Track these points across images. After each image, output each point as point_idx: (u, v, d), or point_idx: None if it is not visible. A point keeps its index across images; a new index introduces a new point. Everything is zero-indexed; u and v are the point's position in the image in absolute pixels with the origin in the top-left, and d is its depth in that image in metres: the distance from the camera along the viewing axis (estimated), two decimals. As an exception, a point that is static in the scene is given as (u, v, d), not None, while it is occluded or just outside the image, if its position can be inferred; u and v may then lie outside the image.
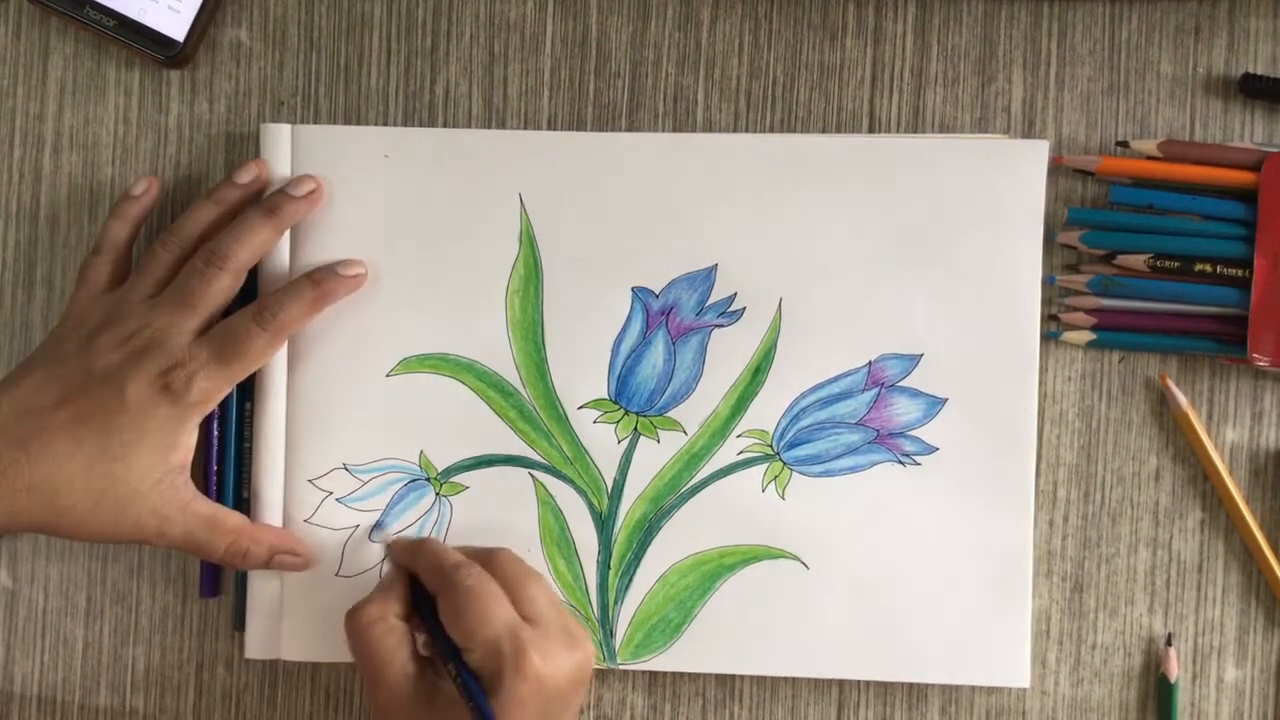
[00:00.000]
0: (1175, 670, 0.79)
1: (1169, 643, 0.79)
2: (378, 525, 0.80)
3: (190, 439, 0.76)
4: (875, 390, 0.78)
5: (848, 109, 0.81)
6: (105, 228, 0.79)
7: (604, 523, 0.79)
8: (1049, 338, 0.79)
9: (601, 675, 0.81)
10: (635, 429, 0.79)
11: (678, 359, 0.79)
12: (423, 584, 0.74)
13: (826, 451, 0.79)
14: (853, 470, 0.78)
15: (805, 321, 0.78)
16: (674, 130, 0.81)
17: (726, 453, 0.79)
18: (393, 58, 0.82)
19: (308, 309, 0.77)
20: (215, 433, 0.80)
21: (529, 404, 0.79)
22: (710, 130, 0.81)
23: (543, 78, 0.81)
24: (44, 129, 0.82)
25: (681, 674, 0.81)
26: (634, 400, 0.79)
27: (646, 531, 0.79)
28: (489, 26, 0.82)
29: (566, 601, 0.79)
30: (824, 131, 0.81)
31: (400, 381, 0.80)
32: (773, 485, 0.79)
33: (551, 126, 0.81)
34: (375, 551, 0.80)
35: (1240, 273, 0.77)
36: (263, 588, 0.80)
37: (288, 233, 0.79)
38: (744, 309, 0.79)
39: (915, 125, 0.80)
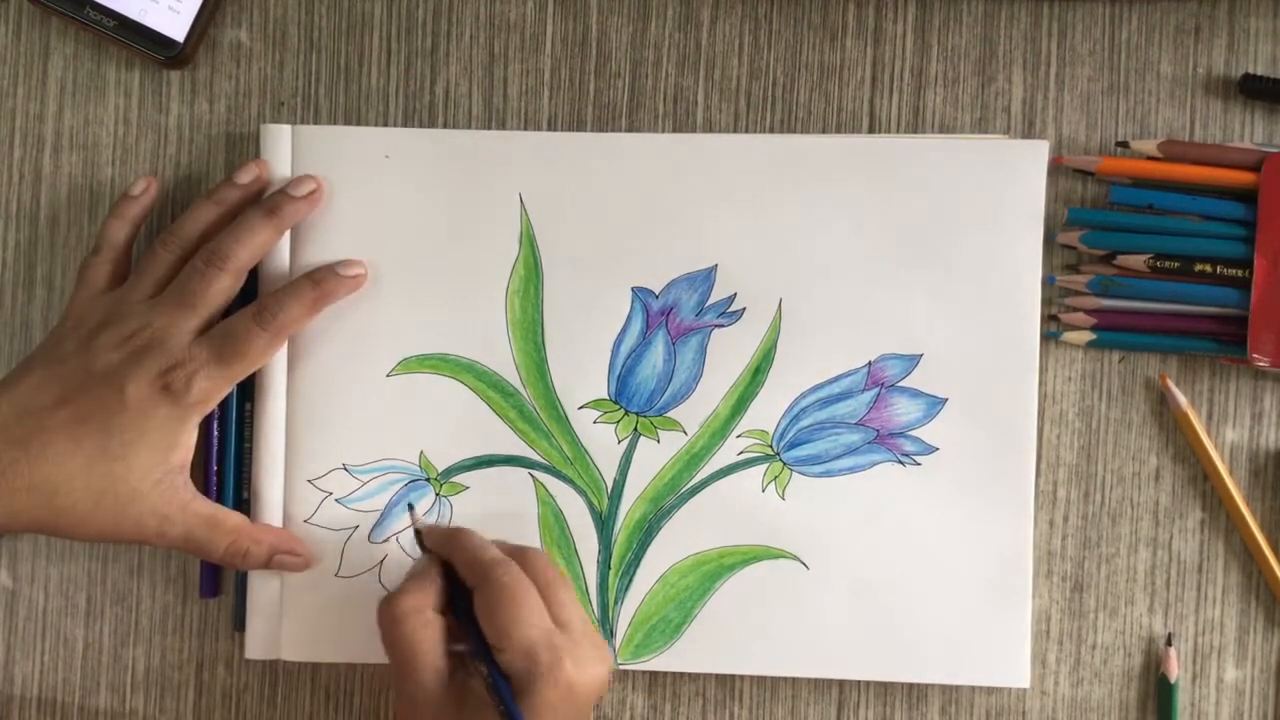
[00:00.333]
0: (1175, 670, 0.79)
1: (1169, 643, 0.79)
2: (378, 525, 0.80)
3: (190, 439, 0.76)
4: (875, 390, 0.78)
5: (848, 109, 0.81)
6: (104, 227, 0.79)
7: (604, 523, 0.79)
8: (1049, 338, 0.79)
9: (601, 675, 0.81)
10: (635, 429, 0.79)
11: (678, 359, 0.79)
12: (455, 576, 0.73)
13: (826, 451, 0.79)
14: (853, 470, 0.78)
15: (805, 321, 0.79)
16: (674, 130, 0.81)
17: (726, 453, 0.79)
18: (393, 58, 0.82)
19: (308, 309, 0.77)
20: (215, 433, 0.80)
21: (529, 404, 0.79)
22: (710, 130, 0.81)
23: (543, 78, 0.81)
24: (44, 129, 0.82)
25: (681, 674, 0.81)
26: (634, 400, 0.79)
27: (646, 532, 0.79)
28: (489, 26, 0.82)
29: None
30: (824, 132, 0.81)
31: (400, 381, 0.80)
32: (773, 485, 0.79)
33: (551, 127, 0.81)
34: (376, 551, 0.80)
35: (1240, 273, 0.77)
36: (263, 588, 0.80)
37: (288, 233, 0.79)
38: (744, 309, 0.79)
39: (915, 125, 0.80)
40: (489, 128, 0.81)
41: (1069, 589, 0.80)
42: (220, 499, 0.80)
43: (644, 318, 0.79)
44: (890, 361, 0.78)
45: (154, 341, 0.75)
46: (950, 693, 0.80)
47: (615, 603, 0.79)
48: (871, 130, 0.81)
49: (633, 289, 0.79)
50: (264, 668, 0.82)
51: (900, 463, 0.78)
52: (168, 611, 0.82)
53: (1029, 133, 0.80)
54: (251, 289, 0.79)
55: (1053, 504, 0.80)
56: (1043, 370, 0.79)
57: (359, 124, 0.81)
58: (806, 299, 0.78)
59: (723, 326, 0.79)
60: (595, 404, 0.79)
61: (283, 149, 0.80)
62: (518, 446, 0.79)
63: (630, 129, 0.81)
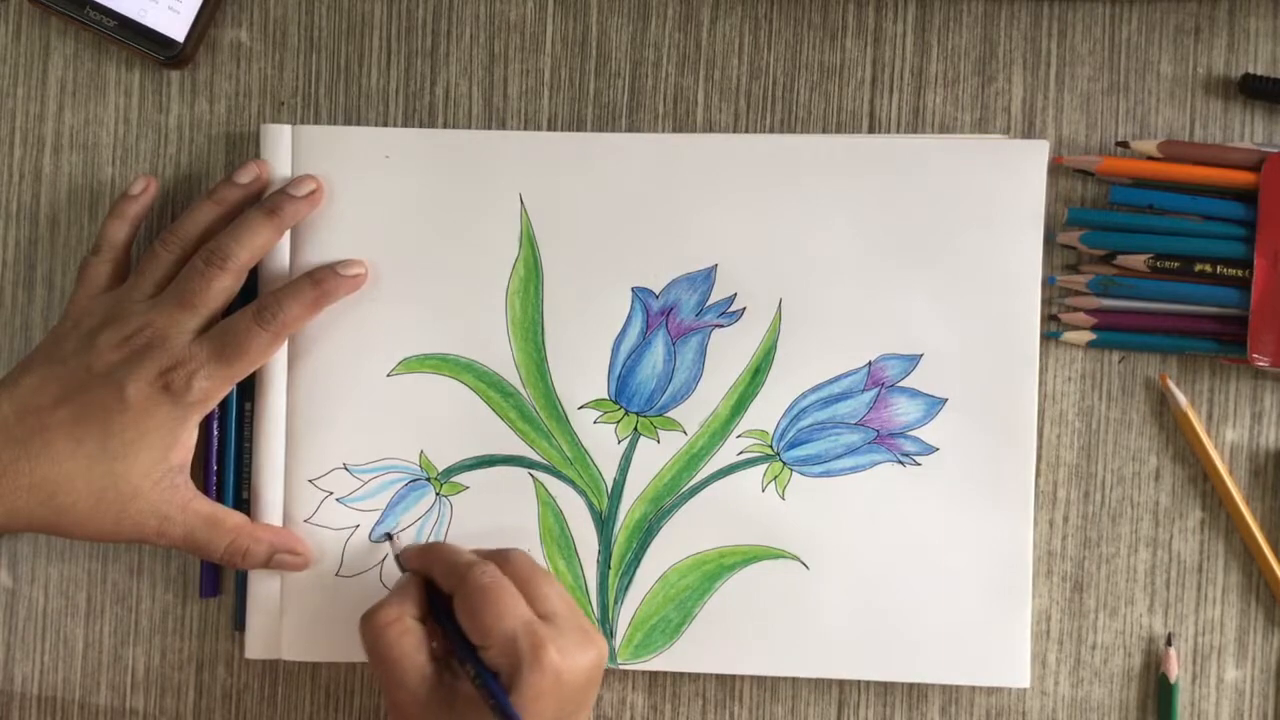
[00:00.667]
0: (1175, 670, 0.79)
1: (1169, 643, 0.79)
2: (378, 525, 0.80)
3: (190, 438, 0.76)
4: (875, 390, 0.78)
5: (848, 109, 0.81)
6: (104, 227, 0.79)
7: (604, 523, 0.79)
8: (1049, 338, 0.79)
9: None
10: (635, 429, 0.79)
11: (678, 359, 0.79)
12: (437, 588, 0.73)
13: (826, 451, 0.79)
14: (853, 470, 0.78)
15: (805, 322, 0.79)
16: (674, 130, 0.81)
17: (726, 453, 0.79)
18: (393, 58, 0.82)
19: (308, 308, 0.77)
20: (215, 433, 0.80)
21: (529, 404, 0.79)
22: (710, 130, 0.81)
23: (543, 78, 0.81)
24: (44, 129, 0.82)
25: (681, 674, 0.81)
26: (634, 400, 0.79)
27: (646, 531, 0.79)
28: (489, 26, 0.82)
29: (567, 601, 0.79)
30: (824, 131, 0.81)
31: (400, 381, 0.80)
32: (773, 485, 0.79)
33: (551, 127, 0.81)
34: (376, 551, 0.80)
35: (1240, 273, 0.77)
36: (263, 588, 0.80)
37: (288, 232, 0.79)
38: (744, 309, 0.79)
39: (915, 125, 0.80)
40: (489, 128, 0.81)
41: (1069, 589, 0.80)
42: (220, 499, 0.80)
43: (644, 318, 0.79)
44: (890, 361, 0.78)
45: (154, 341, 0.75)
46: (950, 693, 0.80)
47: (615, 603, 0.79)
48: (871, 130, 0.81)
49: (633, 289, 0.79)
50: (264, 667, 0.82)
51: (900, 463, 0.78)
52: (168, 611, 0.82)
53: (1029, 133, 0.80)
54: (252, 288, 0.79)
55: (1053, 504, 0.80)
56: (1043, 370, 0.79)
57: (359, 124, 0.81)
58: (806, 299, 0.78)
59: (723, 326, 0.79)
60: (595, 404, 0.79)
61: (283, 149, 0.80)
62: (518, 446, 0.79)
63: (630, 129, 0.81)
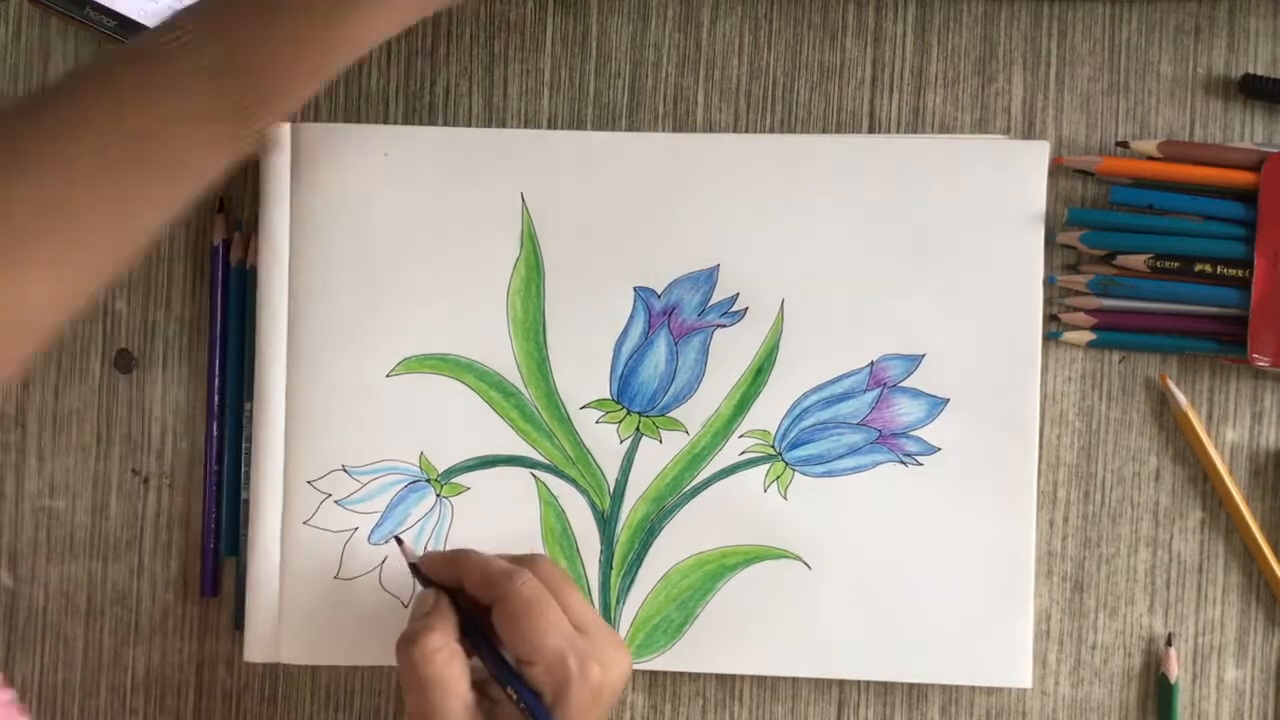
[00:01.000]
0: (1175, 670, 0.79)
1: (1169, 643, 0.79)
2: (377, 527, 0.80)
3: None
4: (877, 390, 0.78)
5: (848, 109, 0.81)
6: None
7: (606, 523, 0.79)
8: (1049, 338, 0.79)
9: (602, 676, 0.81)
10: (637, 429, 0.79)
11: (680, 359, 0.79)
12: (461, 602, 0.72)
13: (829, 452, 0.79)
14: (855, 470, 0.78)
15: (807, 322, 0.79)
16: (674, 130, 0.81)
17: (729, 453, 0.79)
18: (393, 58, 0.82)
19: None
20: (215, 433, 0.80)
21: (530, 404, 0.79)
22: (710, 130, 0.81)
23: (543, 78, 0.81)
24: (43, 129, 0.82)
25: (681, 674, 0.81)
26: (636, 400, 0.79)
27: (649, 531, 0.79)
28: (489, 26, 0.81)
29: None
30: (824, 131, 0.81)
31: (400, 382, 0.80)
32: (775, 485, 0.79)
33: (551, 126, 0.81)
34: (375, 554, 0.79)
35: (1240, 273, 0.77)
36: (262, 592, 0.79)
37: (287, 227, 0.79)
38: (746, 309, 0.79)
39: (915, 125, 0.80)
40: (489, 127, 0.81)
41: (1069, 589, 0.80)
42: (220, 499, 0.80)
43: (646, 317, 0.79)
44: (892, 362, 0.78)
45: None
46: (950, 693, 0.80)
47: (617, 603, 0.79)
48: (871, 130, 0.81)
49: (635, 289, 0.79)
50: (264, 668, 0.82)
51: (902, 463, 0.78)
52: (168, 611, 0.82)
53: (1029, 133, 0.80)
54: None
55: (1053, 504, 0.80)
56: (1043, 370, 0.79)
57: (359, 124, 0.81)
58: (808, 299, 0.78)
59: (725, 326, 0.79)
60: (597, 404, 0.79)
61: (283, 147, 0.79)
62: (519, 446, 0.79)
63: (630, 129, 0.81)
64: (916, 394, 0.78)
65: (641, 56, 0.81)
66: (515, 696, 0.69)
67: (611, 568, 0.79)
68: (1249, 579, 0.79)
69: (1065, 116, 0.80)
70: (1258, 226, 0.77)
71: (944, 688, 0.80)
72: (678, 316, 0.79)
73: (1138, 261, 0.78)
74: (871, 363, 0.78)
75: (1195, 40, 0.80)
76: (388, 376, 0.80)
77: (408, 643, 0.70)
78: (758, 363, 0.79)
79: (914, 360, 0.78)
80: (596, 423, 0.79)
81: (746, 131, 0.81)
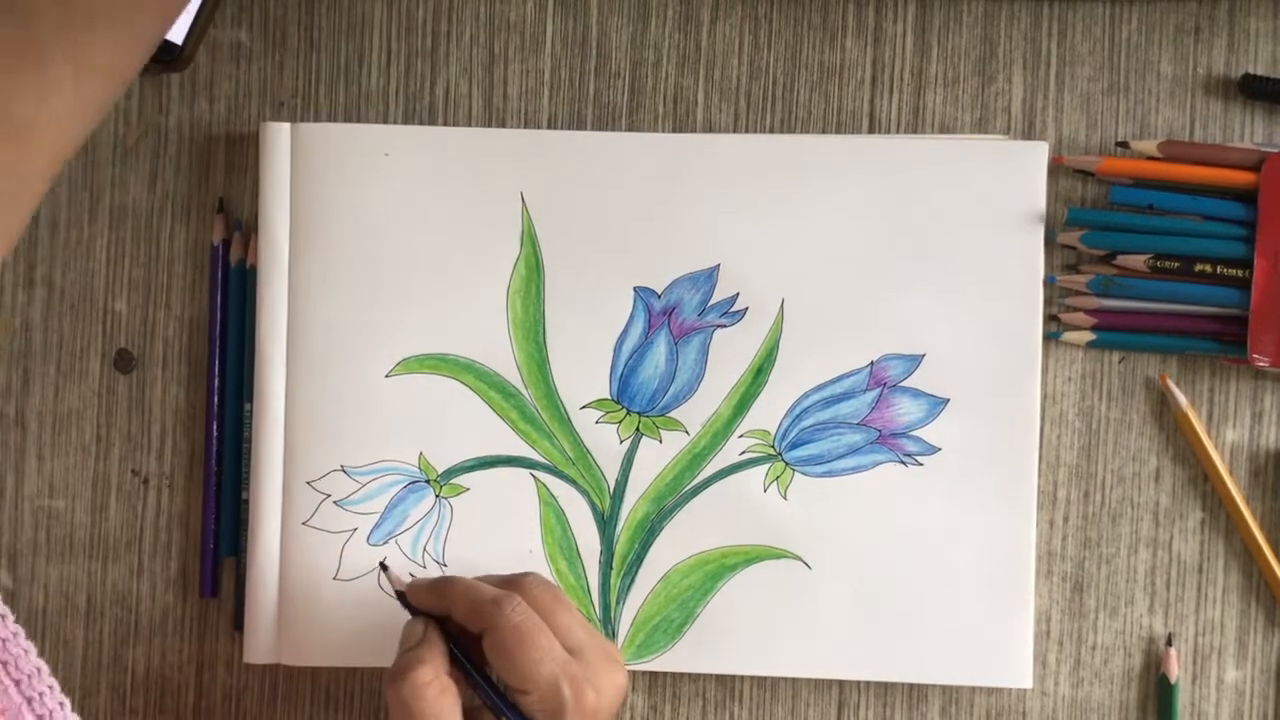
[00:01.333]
0: (1175, 671, 0.79)
1: (1169, 643, 0.79)
2: (377, 528, 0.79)
3: None
4: (877, 390, 0.78)
5: (848, 109, 0.81)
6: None
7: (606, 523, 0.79)
8: (1049, 338, 0.79)
9: (602, 676, 0.81)
10: (637, 429, 0.79)
11: (680, 359, 0.79)
12: (449, 628, 0.71)
13: (828, 452, 0.79)
14: (855, 470, 0.78)
15: (807, 322, 0.79)
16: (674, 130, 0.81)
17: (728, 453, 0.79)
18: (393, 58, 0.82)
19: None
20: (215, 433, 0.80)
21: (530, 404, 0.79)
22: (710, 130, 0.81)
23: (543, 78, 0.81)
24: (43, 129, 0.82)
25: (681, 674, 0.81)
26: (636, 400, 0.79)
27: (649, 531, 0.79)
28: (489, 26, 0.81)
29: (568, 602, 0.79)
30: (824, 132, 0.81)
31: (400, 382, 0.80)
32: (775, 485, 0.79)
33: (551, 127, 0.81)
34: (374, 555, 0.79)
35: (1240, 273, 0.77)
36: (262, 593, 0.79)
37: (287, 233, 0.79)
38: (746, 309, 0.79)
39: (915, 125, 0.80)
40: (489, 127, 0.81)
41: (1069, 589, 0.80)
42: (219, 500, 0.80)
43: (646, 317, 0.79)
44: (892, 362, 0.78)
45: None
46: (950, 693, 0.80)
47: (617, 603, 0.79)
48: (871, 130, 0.81)
49: (635, 289, 0.79)
50: (264, 669, 0.82)
51: (902, 463, 0.78)
52: (168, 612, 0.82)
53: (1029, 133, 0.80)
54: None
55: (1053, 504, 0.80)
56: (1043, 370, 0.79)
57: (359, 124, 0.81)
58: (808, 299, 0.79)
59: (725, 326, 0.79)
60: (597, 404, 0.79)
61: (282, 147, 0.79)
62: (519, 447, 0.79)
63: (630, 129, 0.81)
64: (916, 394, 0.78)
65: (641, 56, 0.81)
66: None
67: (611, 568, 0.79)
68: (1249, 579, 0.79)
69: (1065, 116, 0.80)
70: (1258, 226, 0.77)
71: (944, 688, 0.80)
72: (678, 316, 0.79)
73: (1138, 261, 0.78)
74: (871, 363, 0.78)
75: (1195, 40, 0.80)
76: (387, 376, 0.80)
77: (397, 677, 0.69)
78: (758, 362, 0.79)
79: (914, 360, 0.78)
80: (596, 423, 0.79)
81: (746, 131, 0.81)
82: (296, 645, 0.79)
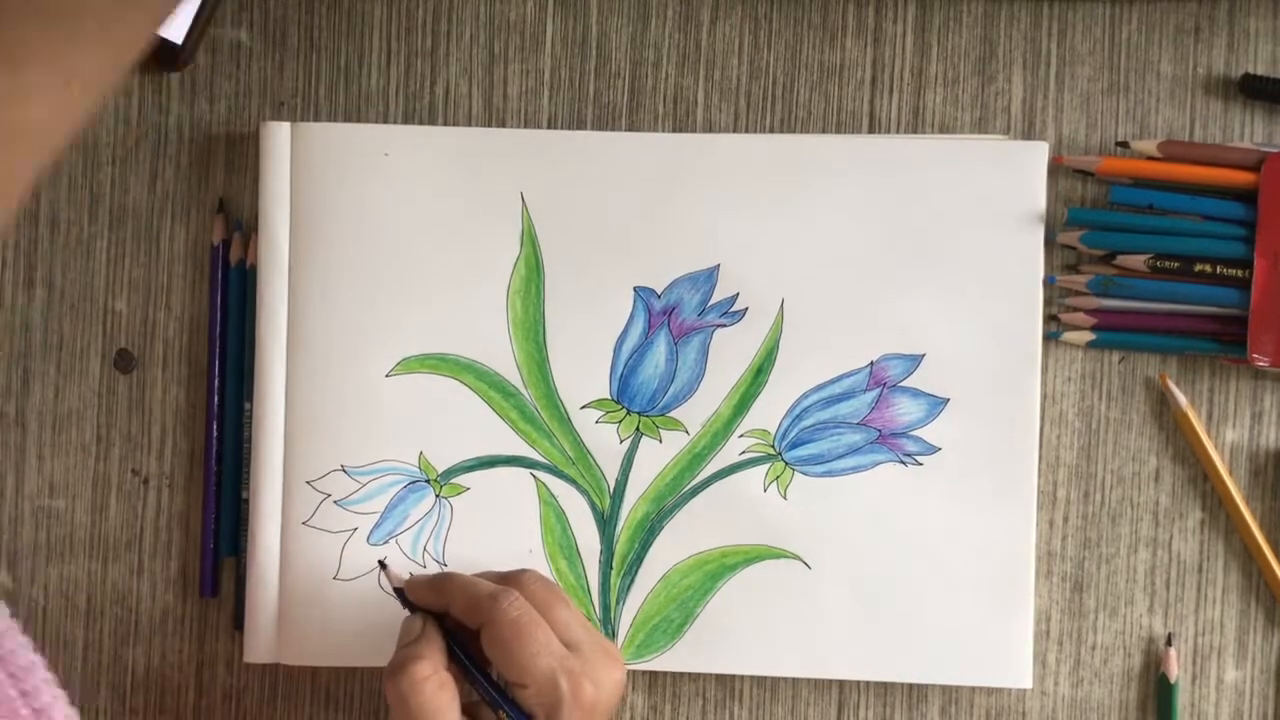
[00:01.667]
0: (1175, 670, 0.79)
1: (1169, 643, 0.79)
2: (377, 528, 0.79)
3: None
4: (877, 390, 0.78)
5: (848, 109, 0.81)
6: None
7: (606, 523, 0.79)
8: (1049, 338, 0.79)
9: (602, 676, 0.81)
10: (637, 429, 0.79)
11: (680, 359, 0.79)
12: (448, 624, 0.72)
13: (828, 451, 0.79)
14: (855, 470, 0.78)
15: (807, 322, 0.79)
16: (674, 130, 0.81)
17: (728, 453, 0.79)
18: (393, 58, 0.82)
19: None
20: (215, 433, 0.80)
21: (530, 404, 0.79)
22: (710, 130, 0.81)
23: (543, 78, 0.81)
24: (43, 129, 0.82)
25: (681, 674, 0.81)
26: (636, 400, 0.79)
27: (648, 531, 0.79)
28: (489, 26, 0.81)
29: (568, 602, 0.79)
30: (824, 132, 0.81)
31: (400, 382, 0.80)
32: (775, 485, 0.79)
33: (551, 127, 0.81)
34: (374, 555, 0.79)
35: (1240, 273, 0.77)
36: (262, 592, 0.79)
37: (287, 233, 0.79)
38: (746, 309, 0.79)
39: (915, 125, 0.80)
40: (489, 127, 0.81)
41: (1069, 589, 0.80)
42: (219, 500, 0.80)
43: (646, 317, 0.79)
44: (892, 362, 0.78)
45: None
46: (950, 693, 0.80)
47: (617, 603, 0.79)
48: (871, 130, 0.81)
49: (635, 288, 0.79)
50: (264, 669, 0.82)
51: (902, 463, 0.78)
52: (168, 611, 0.82)
53: (1029, 133, 0.80)
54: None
55: (1053, 504, 0.80)
56: (1043, 370, 0.79)
57: (359, 124, 0.81)
58: (808, 299, 0.79)
59: (725, 326, 0.79)
60: (597, 404, 0.79)
61: (282, 147, 0.79)
62: (519, 447, 0.79)
63: (630, 129, 0.81)
64: (916, 394, 0.78)
65: (641, 56, 0.81)
66: (507, 718, 0.69)
67: (611, 568, 0.79)
68: (1249, 579, 0.79)
69: (1065, 116, 0.80)
70: (1258, 226, 0.77)
71: (944, 688, 0.80)
72: (677, 316, 0.79)
73: (1138, 261, 0.78)
74: (871, 362, 0.78)
75: (1195, 40, 0.80)
76: (387, 376, 0.80)
77: (395, 672, 0.69)
78: (757, 362, 0.79)
79: (914, 360, 0.78)
80: (596, 423, 0.79)
81: (746, 131, 0.81)
82: (296, 645, 0.79)
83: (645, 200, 0.79)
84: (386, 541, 0.80)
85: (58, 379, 0.82)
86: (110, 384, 0.82)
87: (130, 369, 0.82)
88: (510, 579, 0.72)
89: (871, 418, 0.78)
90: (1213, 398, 0.79)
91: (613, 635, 0.79)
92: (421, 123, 0.81)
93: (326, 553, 0.80)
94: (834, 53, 0.81)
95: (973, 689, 0.80)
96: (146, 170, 0.82)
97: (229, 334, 0.81)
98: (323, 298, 0.79)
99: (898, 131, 0.80)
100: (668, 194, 0.79)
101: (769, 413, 0.79)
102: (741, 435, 0.79)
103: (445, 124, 0.81)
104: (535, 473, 0.79)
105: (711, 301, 0.79)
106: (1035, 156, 0.78)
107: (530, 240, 0.79)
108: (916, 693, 0.80)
